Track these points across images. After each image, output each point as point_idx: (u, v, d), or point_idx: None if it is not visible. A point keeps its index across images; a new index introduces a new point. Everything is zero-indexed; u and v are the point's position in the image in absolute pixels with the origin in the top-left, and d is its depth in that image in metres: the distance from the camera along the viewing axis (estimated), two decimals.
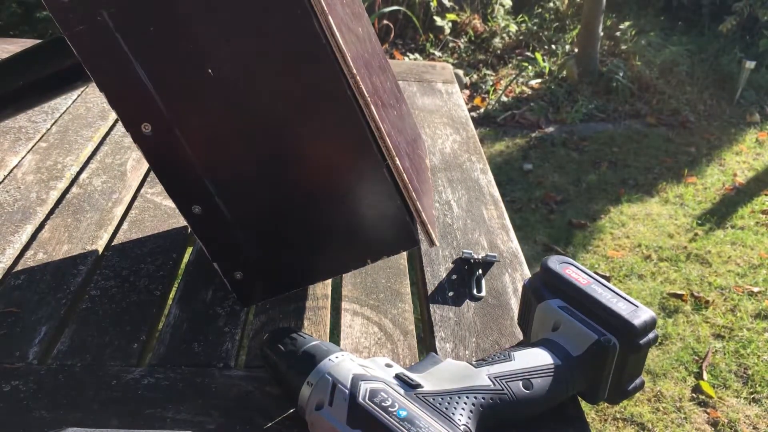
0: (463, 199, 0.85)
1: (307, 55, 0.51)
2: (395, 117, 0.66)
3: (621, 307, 0.54)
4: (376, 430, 0.45)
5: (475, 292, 0.68)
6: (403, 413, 0.46)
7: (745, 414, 1.59)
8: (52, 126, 0.97)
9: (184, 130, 0.53)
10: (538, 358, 0.53)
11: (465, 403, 0.48)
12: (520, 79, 3.44)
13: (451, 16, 3.77)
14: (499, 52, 3.71)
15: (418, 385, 0.48)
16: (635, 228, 2.33)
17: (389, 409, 0.46)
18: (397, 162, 0.55)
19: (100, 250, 0.72)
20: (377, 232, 0.58)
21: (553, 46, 3.73)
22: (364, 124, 0.53)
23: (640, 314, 0.53)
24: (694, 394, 1.64)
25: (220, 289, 0.67)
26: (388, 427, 0.45)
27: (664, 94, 3.34)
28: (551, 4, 4.09)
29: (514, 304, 0.67)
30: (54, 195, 0.81)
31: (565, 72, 3.43)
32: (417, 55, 3.57)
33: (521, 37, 3.81)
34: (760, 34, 3.63)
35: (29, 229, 0.74)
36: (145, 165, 0.88)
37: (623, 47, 3.68)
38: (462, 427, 0.46)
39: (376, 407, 0.46)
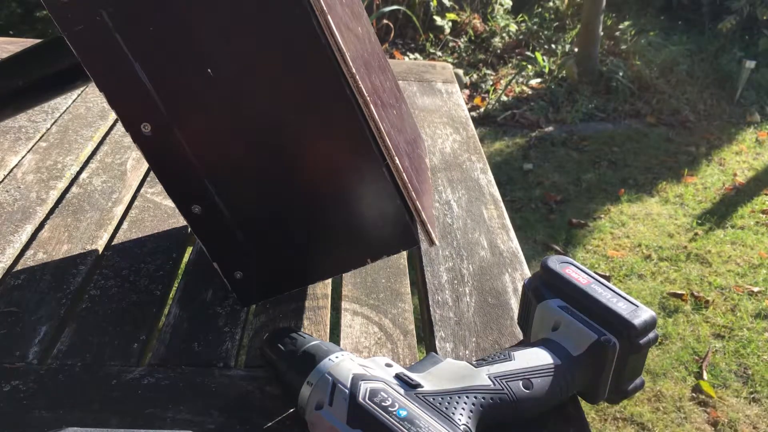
0: (463, 198, 0.85)
1: (306, 54, 0.51)
2: (395, 117, 0.66)
3: (621, 307, 0.54)
4: (377, 430, 0.45)
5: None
6: (403, 413, 0.46)
7: (745, 414, 1.59)
8: (52, 126, 0.97)
9: (183, 130, 0.53)
10: (538, 357, 0.53)
11: (465, 403, 0.48)
12: (520, 79, 3.44)
13: (451, 16, 3.77)
14: (499, 51, 3.71)
15: (418, 385, 0.48)
16: (635, 228, 2.33)
17: (389, 408, 0.46)
18: (397, 161, 0.55)
19: (100, 249, 0.72)
20: (377, 232, 0.58)
21: (553, 46, 3.73)
22: (363, 124, 0.53)
23: (640, 314, 0.53)
24: (694, 394, 1.64)
25: (220, 289, 0.67)
26: (388, 427, 0.45)
27: (664, 93, 3.34)
28: (551, 4, 4.09)
29: (514, 304, 0.67)
30: (54, 195, 0.81)
31: (565, 72, 3.42)
32: (417, 55, 3.57)
33: (521, 37, 3.81)
34: (760, 33, 3.63)
35: (29, 229, 0.74)
36: (145, 165, 0.88)
37: (623, 47, 3.68)
38: (462, 427, 0.46)
39: (376, 407, 0.46)
